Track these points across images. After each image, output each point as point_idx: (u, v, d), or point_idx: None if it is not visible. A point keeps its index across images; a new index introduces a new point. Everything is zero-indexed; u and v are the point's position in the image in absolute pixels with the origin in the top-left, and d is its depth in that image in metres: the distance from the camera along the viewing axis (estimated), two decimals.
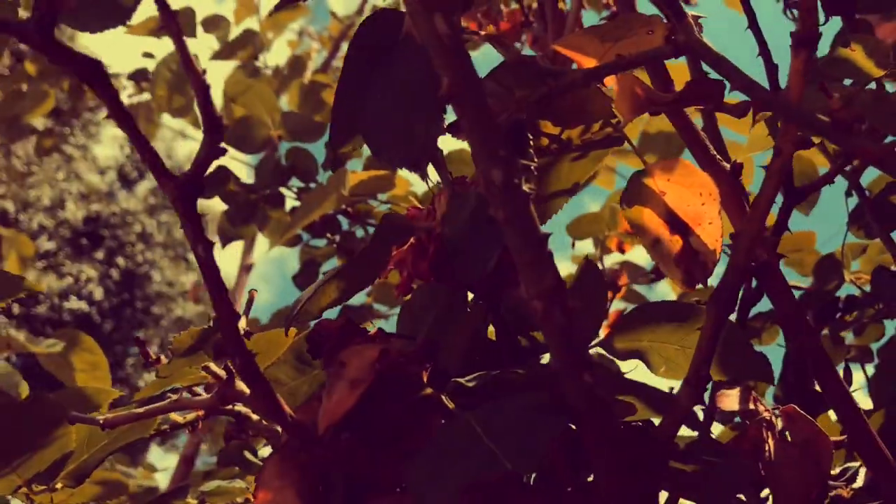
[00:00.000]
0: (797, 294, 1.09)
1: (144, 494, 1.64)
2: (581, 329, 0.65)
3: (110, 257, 9.60)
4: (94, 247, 9.52)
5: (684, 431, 0.68)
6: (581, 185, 0.67)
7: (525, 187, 0.41)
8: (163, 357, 0.57)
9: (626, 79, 0.59)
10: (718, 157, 0.66)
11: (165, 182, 0.36)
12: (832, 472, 1.03)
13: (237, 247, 2.45)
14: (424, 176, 0.44)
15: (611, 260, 1.75)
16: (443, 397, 0.49)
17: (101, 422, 0.48)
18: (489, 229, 0.46)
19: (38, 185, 8.13)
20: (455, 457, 0.42)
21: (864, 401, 1.04)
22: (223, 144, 0.38)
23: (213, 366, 0.49)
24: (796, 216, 1.24)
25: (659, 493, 0.46)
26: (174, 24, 0.34)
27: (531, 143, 0.59)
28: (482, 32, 1.10)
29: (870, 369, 1.25)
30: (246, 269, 2.16)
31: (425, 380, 0.52)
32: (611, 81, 0.67)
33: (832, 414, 1.01)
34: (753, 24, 0.66)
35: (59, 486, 0.59)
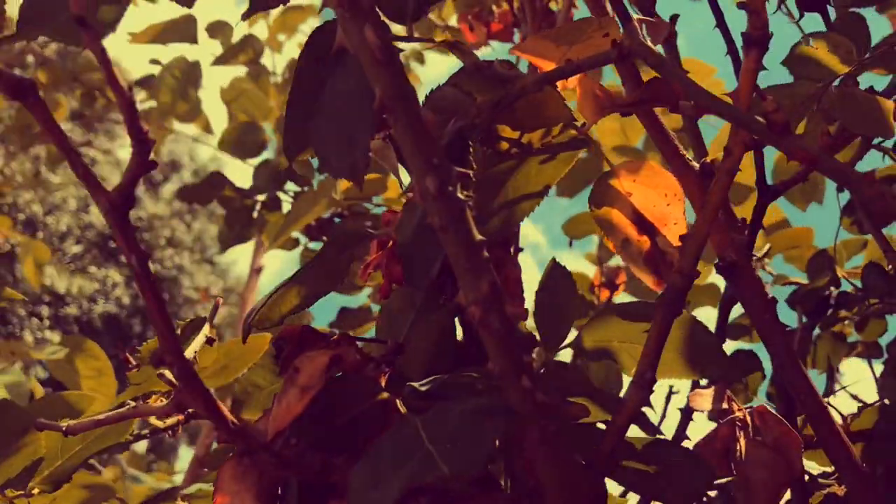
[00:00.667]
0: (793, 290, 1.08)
1: (159, 497, 1.65)
2: (550, 329, 0.65)
3: None
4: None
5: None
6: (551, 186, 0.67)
7: (461, 195, 0.41)
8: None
9: (587, 82, 0.59)
10: (689, 157, 0.66)
11: (98, 196, 0.37)
12: (827, 470, 1.02)
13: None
14: (360, 183, 0.44)
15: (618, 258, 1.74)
16: (397, 402, 0.50)
17: (64, 429, 0.49)
18: (433, 237, 0.47)
19: (63, 187, 8.23)
20: (396, 460, 0.42)
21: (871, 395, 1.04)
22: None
23: (167, 373, 0.49)
24: (811, 211, 1.24)
25: (604, 496, 0.46)
26: (95, 42, 0.35)
27: (490, 147, 0.60)
28: (473, 35, 1.10)
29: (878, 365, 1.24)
30: (256, 271, 2.18)
31: (384, 384, 0.53)
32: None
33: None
34: (721, 24, 0.66)
35: (35, 491, 0.60)
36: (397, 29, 0.59)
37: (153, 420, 0.69)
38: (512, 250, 1.05)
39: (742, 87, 0.50)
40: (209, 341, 0.55)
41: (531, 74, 0.54)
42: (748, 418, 0.66)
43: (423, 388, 0.50)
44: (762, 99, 0.42)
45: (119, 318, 9.07)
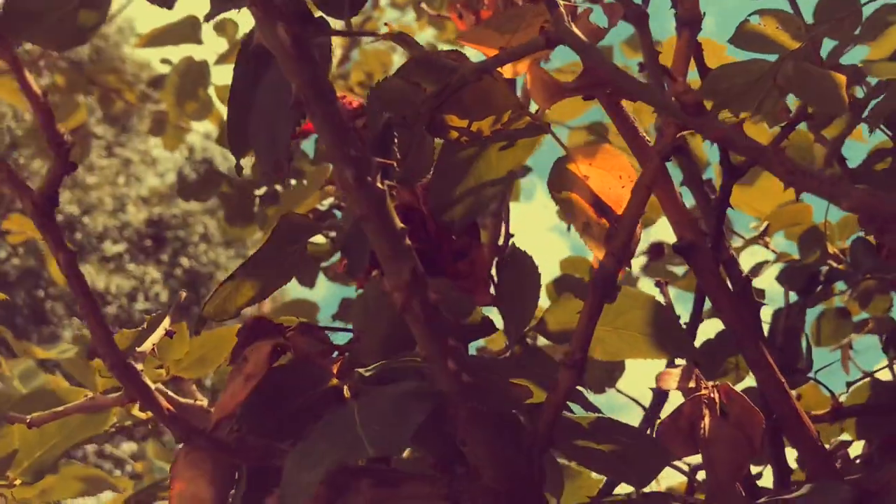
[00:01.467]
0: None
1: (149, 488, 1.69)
2: (513, 314, 0.66)
3: (174, 258, 9.82)
4: (158, 248, 9.76)
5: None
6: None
7: (380, 185, 0.42)
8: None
9: (536, 69, 0.60)
10: (647, 139, 0.66)
11: (23, 197, 0.39)
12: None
13: None
14: (285, 176, 0.46)
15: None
16: (344, 388, 0.51)
17: (28, 421, 0.52)
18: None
19: (99, 188, 8.36)
20: (328, 443, 0.44)
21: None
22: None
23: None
24: None
25: (541, 474, 0.47)
26: (6, 50, 0.36)
27: (441, 136, 0.61)
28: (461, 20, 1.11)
29: None
30: None
31: (335, 371, 0.55)
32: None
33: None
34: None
35: (17, 482, 0.62)
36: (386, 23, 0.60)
37: (135, 411, 0.71)
38: (501, 235, 1.06)
39: (675, 67, 0.50)
40: (169, 334, 0.57)
41: (468, 65, 0.55)
42: (716, 396, 0.66)
43: (368, 374, 0.51)
44: (673, 80, 0.42)
45: None
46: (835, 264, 1.02)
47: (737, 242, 1.20)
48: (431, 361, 0.43)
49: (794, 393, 0.97)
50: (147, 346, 0.54)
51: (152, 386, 0.47)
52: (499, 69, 0.62)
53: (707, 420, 0.64)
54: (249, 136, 0.48)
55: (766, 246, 1.20)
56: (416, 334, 0.43)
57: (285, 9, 0.41)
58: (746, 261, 1.27)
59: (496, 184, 0.67)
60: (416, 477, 0.48)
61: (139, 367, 0.53)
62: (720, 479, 0.62)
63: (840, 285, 1.07)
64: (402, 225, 0.43)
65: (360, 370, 0.51)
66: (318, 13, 0.56)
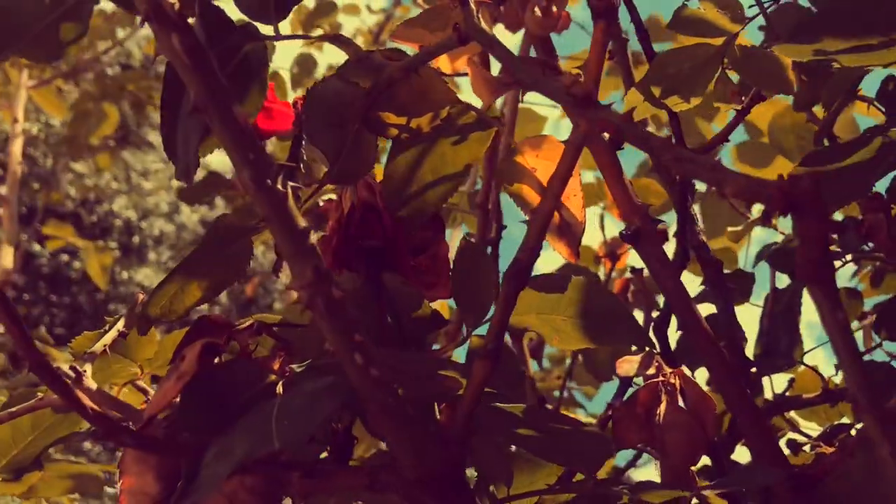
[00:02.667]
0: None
1: None
2: (468, 306, 0.67)
3: None
4: None
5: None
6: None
7: (280, 186, 0.44)
8: None
9: (474, 66, 0.61)
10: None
11: None
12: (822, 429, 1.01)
13: None
14: (189, 183, 0.47)
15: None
16: (279, 384, 0.53)
17: None
18: None
19: (155, 192, 8.54)
20: (243, 437, 0.45)
21: None
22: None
23: (64, 366, 0.54)
24: None
25: (459, 460, 0.48)
26: None
27: (380, 134, 0.62)
28: None
29: None
30: None
31: (276, 368, 0.56)
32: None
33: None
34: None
35: None
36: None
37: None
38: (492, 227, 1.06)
39: (591, 58, 0.51)
40: (122, 335, 0.59)
41: (394, 64, 0.56)
42: (677, 382, 0.66)
43: (300, 370, 0.52)
44: (558, 75, 0.43)
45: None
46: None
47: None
48: (339, 357, 0.45)
49: (789, 376, 0.97)
50: (98, 347, 0.56)
51: (93, 386, 0.49)
52: (441, 67, 0.63)
53: (663, 407, 0.64)
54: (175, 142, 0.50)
55: (775, 228, 1.19)
56: (324, 330, 0.44)
57: (179, 21, 0.42)
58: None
59: (452, 178, 0.68)
60: (343, 468, 0.49)
61: (86, 367, 0.55)
62: (674, 465, 0.62)
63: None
64: (304, 224, 0.44)
65: (294, 366, 0.53)
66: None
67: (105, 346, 0.57)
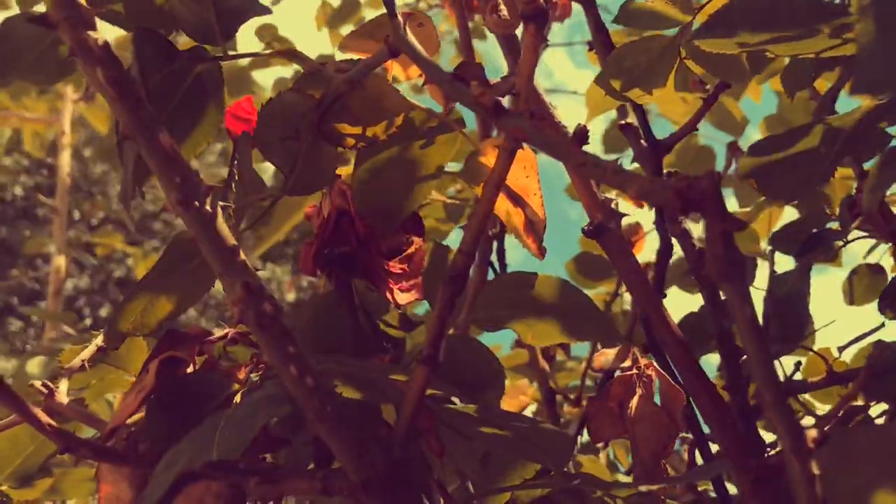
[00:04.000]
0: None
1: None
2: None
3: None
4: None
5: None
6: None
7: (208, 206, 0.46)
8: None
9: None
10: (562, 122, 0.67)
11: None
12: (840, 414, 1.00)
13: None
14: (127, 208, 0.49)
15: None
16: (238, 395, 0.55)
17: None
18: None
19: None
20: (191, 446, 0.47)
21: None
22: None
23: (37, 384, 0.57)
24: None
25: (405, 464, 0.49)
26: None
27: (337, 144, 0.63)
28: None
29: None
30: None
31: (241, 377, 0.58)
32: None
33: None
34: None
35: (2, 487, 0.69)
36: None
37: None
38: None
39: (524, 62, 0.51)
40: (101, 350, 0.62)
41: (339, 76, 0.57)
42: (653, 373, 0.67)
43: (255, 378, 0.54)
44: (467, 84, 0.43)
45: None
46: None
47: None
48: (275, 368, 0.46)
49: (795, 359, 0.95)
50: (76, 362, 0.59)
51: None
52: (396, 75, 0.64)
53: (635, 400, 0.65)
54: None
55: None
56: (259, 343, 0.46)
57: (103, 54, 0.44)
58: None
59: (425, 179, 0.69)
60: (297, 473, 0.51)
61: (62, 383, 0.58)
62: (644, 457, 0.62)
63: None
64: (233, 242, 0.46)
65: (253, 375, 0.55)
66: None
67: (83, 360, 0.60)
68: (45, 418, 0.47)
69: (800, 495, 0.37)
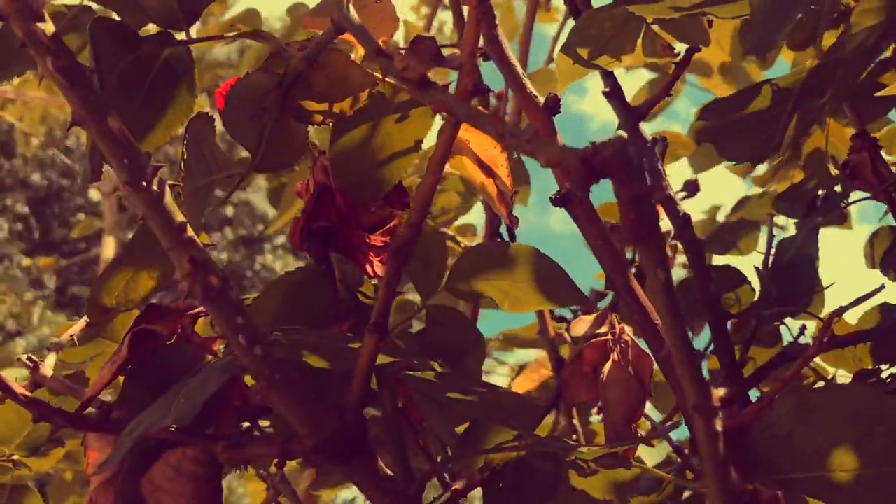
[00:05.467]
0: None
1: None
2: (421, 278, 0.70)
3: None
4: None
5: None
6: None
7: (155, 186, 0.48)
8: None
9: (398, 51, 0.63)
10: (534, 93, 0.67)
11: None
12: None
13: None
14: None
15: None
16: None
17: None
18: None
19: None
20: (152, 412, 0.50)
21: None
22: None
23: (23, 358, 0.60)
24: None
25: (355, 429, 0.51)
26: None
27: (305, 121, 0.65)
28: None
29: None
30: None
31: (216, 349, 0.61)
32: None
33: None
34: None
35: (15, 456, 0.73)
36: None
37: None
38: None
39: (468, 37, 0.52)
40: (90, 325, 0.65)
41: (298, 54, 0.58)
42: (628, 338, 0.67)
43: (223, 350, 0.57)
44: (388, 59, 0.45)
45: None
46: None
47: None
48: (225, 338, 0.48)
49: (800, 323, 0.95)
50: (64, 337, 0.62)
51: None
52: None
53: (608, 365, 0.66)
54: None
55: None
56: (210, 314, 0.49)
57: (52, 45, 0.46)
58: None
59: (404, 153, 0.70)
60: (259, 438, 0.54)
61: (52, 356, 0.62)
62: (615, 420, 0.63)
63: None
64: (181, 219, 0.48)
65: (220, 347, 0.57)
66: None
67: (72, 335, 0.63)
68: (19, 389, 0.50)
69: (703, 451, 0.38)
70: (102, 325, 0.63)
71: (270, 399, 0.50)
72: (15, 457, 0.74)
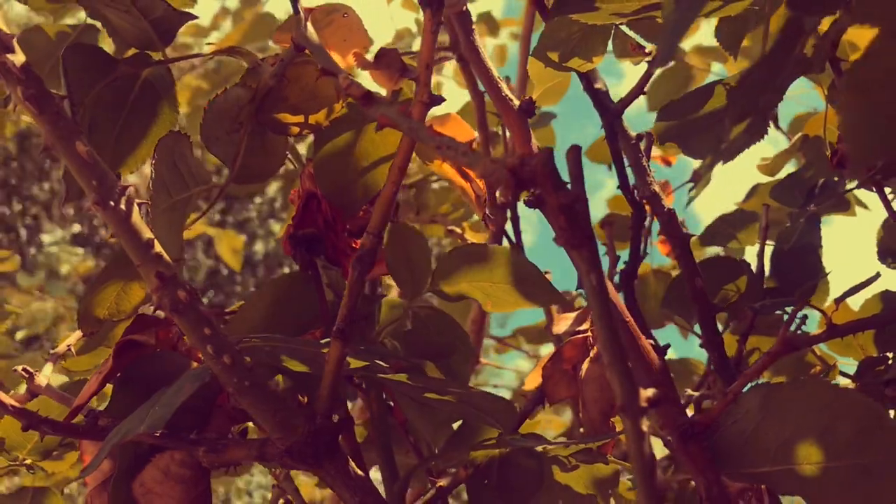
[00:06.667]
0: None
1: None
2: (405, 281, 0.71)
3: None
4: None
5: None
6: None
7: (123, 205, 0.50)
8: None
9: (362, 61, 0.65)
10: (510, 96, 0.69)
11: None
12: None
13: None
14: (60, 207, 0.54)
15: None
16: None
17: None
18: None
19: None
20: (131, 420, 0.52)
21: None
22: None
23: (18, 368, 0.63)
24: None
25: (331, 430, 0.53)
26: None
27: (282, 133, 0.66)
28: None
29: None
30: None
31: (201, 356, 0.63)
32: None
33: None
34: None
35: (27, 461, 0.76)
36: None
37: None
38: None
39: (423, 48, 0.54)
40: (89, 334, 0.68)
41: (269, 70, 0.60)
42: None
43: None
44: (335, 77, 0.46)
45: None
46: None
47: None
48: (195, 348, 0.51)
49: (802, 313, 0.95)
50: (61, 348, 0.65)
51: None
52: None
53: (586, 362, 0.67)
54: None
55: None
56: (180, 326, 0.51)
57: (21, 74, 0.49)
58: None
59: (388, 160, 0.72)
60: (238, 443, 0.56)
61: (49, 366, 0.64)
62: (592, 417, 0.64)
63: None
64: (148, 236, 0.50)
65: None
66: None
67: (69, 345, 0.66)
68: (8, 400, 0.53)
69: (630, 451, 0.39)
70: (97, 335, 0.66)
71: (241, 405, 0.52)
72: (28, 461, 0.77)
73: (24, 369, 0.62)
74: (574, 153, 0.55)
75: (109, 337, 0.74)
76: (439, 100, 0.54)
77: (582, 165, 0.49)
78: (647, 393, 0.40)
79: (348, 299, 0.53)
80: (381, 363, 0.57)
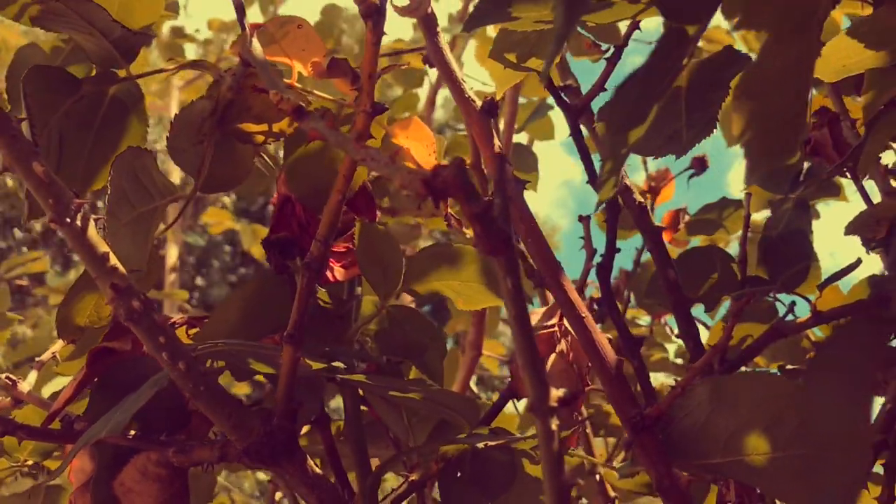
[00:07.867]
0: None
1: None
2: (377, 281, 0.73)
3: None
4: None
5: None
6: None
7: (79, 221, 0.52)
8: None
9: (320, 69, 0.66)
10: (471, 96, 0.70)
11: None
12: None
13: None
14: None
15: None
16: None
17: None
18: None
19: None
20: (98, 425, 0.55)
21: None
22: None
23: (1, 376, 0.66)
24: None
25: (284, 430, 0.55)
26: None
27: (248, 142, 0.68)
28: None
29: None
30: None
31: None
32: None
33: None
34: None
35: (28, 462, 0.80)
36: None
37: None
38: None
39: (365, 59, 0.55)
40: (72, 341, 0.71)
41: (227, 81, 0.62)
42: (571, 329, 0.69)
43: None
44: (265, 95, 0.48)
45: None
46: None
47: None
48: (152, 356, 0.53)
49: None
50: (46, 355, 0.68)
51: None
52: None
53: (552, 357, 0.68)
54: None
55: None
56: (136, 334, 0.53)
57: None
58: None
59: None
60: (205, 444, 0.58)
61: (33, 373, 0.67)
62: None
63: None
64: (104, 249, 0.52)
65: None
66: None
67: (53, 353, 0.69)
68: None
69: (541, 449, 0.40)
70: (78, 342, 0.69)
71: (198, 408, 0.54)
72: (29, 462, 0.80)
73: (7, 377, 0.65)
74: (499, 161, 0.56)
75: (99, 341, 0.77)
76: (382, 109, 0.56)
77: (506, 173, 0.50)
78: (558, 393, 0.41)
79: (298, 305, 0.55)
80: (339, 364, 0.59)
